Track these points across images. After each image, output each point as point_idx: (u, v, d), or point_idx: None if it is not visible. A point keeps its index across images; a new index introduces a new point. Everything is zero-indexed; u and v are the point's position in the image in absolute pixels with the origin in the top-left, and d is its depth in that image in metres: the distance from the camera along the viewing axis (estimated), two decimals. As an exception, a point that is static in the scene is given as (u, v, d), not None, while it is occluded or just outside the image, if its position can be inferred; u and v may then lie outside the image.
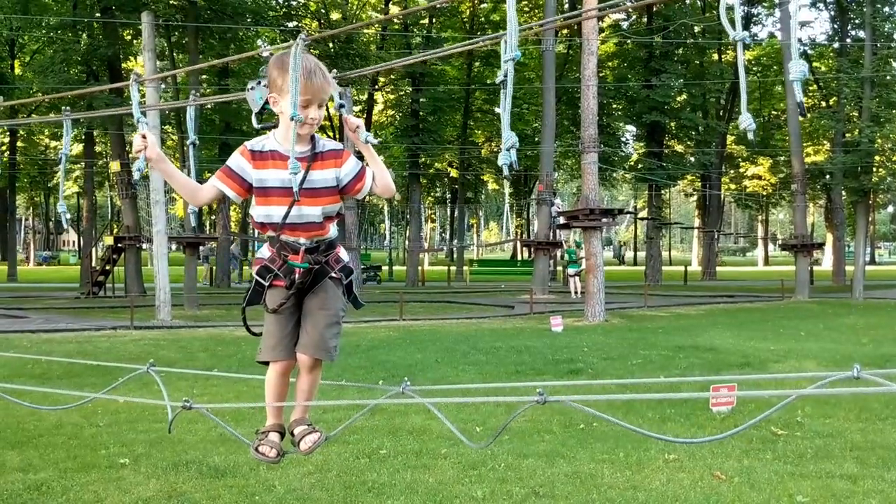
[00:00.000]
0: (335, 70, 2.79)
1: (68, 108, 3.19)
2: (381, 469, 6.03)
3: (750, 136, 1.86)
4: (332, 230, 2.88)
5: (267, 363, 2.91)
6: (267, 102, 2.80)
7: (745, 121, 1.81)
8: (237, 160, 2.77)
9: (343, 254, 2.94)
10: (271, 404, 2.89)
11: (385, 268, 43.19)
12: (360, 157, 2.94)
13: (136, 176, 2.73)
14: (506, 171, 2.18)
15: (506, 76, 2.11)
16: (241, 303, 2.99)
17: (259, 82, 2.91)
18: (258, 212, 2.79)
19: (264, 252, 2.91)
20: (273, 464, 2.97)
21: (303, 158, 2.74)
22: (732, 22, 1.88)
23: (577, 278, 27.70)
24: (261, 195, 2.77)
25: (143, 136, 2.70)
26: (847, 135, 30.34)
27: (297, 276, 2.81)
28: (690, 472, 5.95)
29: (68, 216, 3.33)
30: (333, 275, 2.89)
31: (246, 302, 2.94)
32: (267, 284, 2.87)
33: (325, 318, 2.84)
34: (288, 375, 2.93)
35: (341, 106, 2.79)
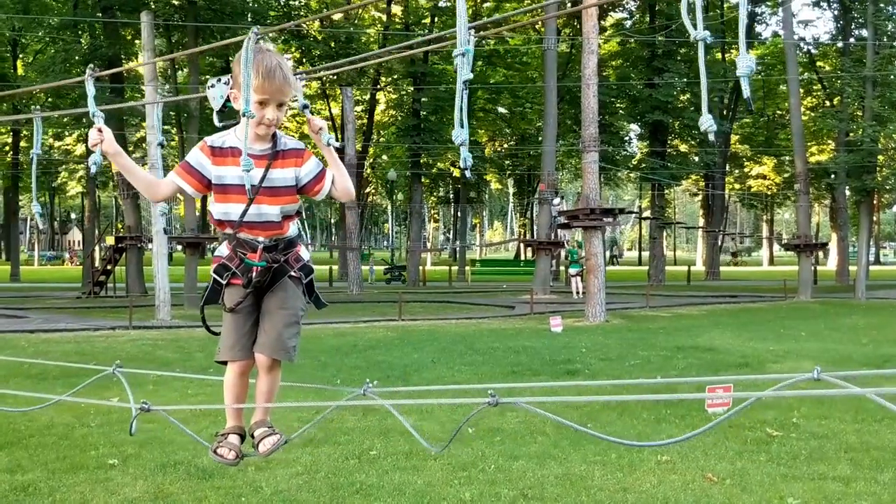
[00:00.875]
0: (292, 67, 2.72)
1: (38, 107, 3.15)
2: (370, 470, 5.98)
3: (711, 137, 1.82)
4: (292, 229, 2.84)
5: (225, 363, 2.86)
6: (229, 100, 2.75)
7: (706, 122, 1.76)
8: (196, 156, 2.72)
9: (303, 252, 2.90)
10: (230, 406, 2.85)
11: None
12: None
13: (93, 170, 2.68)
14: (468, 174, 2.14)
15: (457, 71, 2.06)
16: (201, 302, 2.93)
17: (219, 79, 2.86)
18: (217, 209, 2.75)
19: (222, 250, 2.85)
20: (231, 466, 2.93)
21: (263, 156, 2.69)
22: (694, 21, 1.83)
23: (578, 278, 27.61)
24: (219, 192, 2.72)
25: (99, 130, 2.65)
26: (850, 134, 30.22)
27: (254, 274, 2.76)
28: (682, 473, 5.90)
29: (40, 212, 3.30)
30: (293, 273, 2.84)
31: (204, 301, 2.88)
32: (224, 283, 2.82)
33: (284, 318, 2.79)
34: (247, 376, 2.88)
35: (305, 106, 2.74)
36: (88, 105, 2.71)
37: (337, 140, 2.83)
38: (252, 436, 2.84)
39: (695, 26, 1.74)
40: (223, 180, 2.70)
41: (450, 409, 7.80)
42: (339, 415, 7.58)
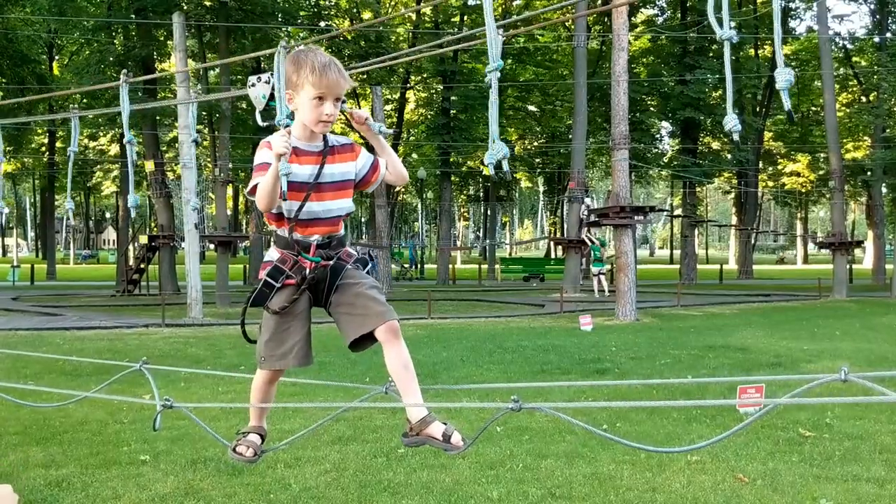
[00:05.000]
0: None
1: (76, 106, 3.20)
2: (398, 468, 5.99)
3: (735, 136, 1.80)
4: (342, 227, 2.87)
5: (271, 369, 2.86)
6: (272, 98, 2.77)
7: (730, 121, 1.74)
8: (268, 155, 2.70)
9: (352, 249, 2.92)
10: (256, 406, 2.86)
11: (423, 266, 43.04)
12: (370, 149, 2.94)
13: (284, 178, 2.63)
14: (492, 170, 2.13)
15: (490, 86, 2.06)
16: (245, 304, 2.90)
17: (259, 78, 2.87)
18: (290, 207, 2.74)
19: (272, 254, 2.85)
20: (249, 464, 2.94)
21: (318, 153, 2.74)
22: (720, 20, 1.81)
23: (601, 276, 27.40)
24: (292, 189, 2.71)
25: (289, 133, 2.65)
26: (887, 130, 29.70)
27: (308, 271, 2.78)
28: (712, 474, 5.83)
29: (73, 208, 3.35)
30: (349, 266, 2.86)
31: (251, 303, 2.84)
32: (279, 286, 2.80)
33: (367, 289, 2.80)
34: (276, 383, 2.90)
35: (342, 101, 2.77)
36: (122, 109, 2.75)
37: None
38: (428, 436, 2.72)
39: (721, 25, 1.71)
40: (297, 178, 2.71)
41: (478, 408, 7.79)
42: (367, 413, 7.60)
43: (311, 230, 2.77)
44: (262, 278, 2.83)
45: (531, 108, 46.60)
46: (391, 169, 2.87)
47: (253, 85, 2.93)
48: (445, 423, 2.67)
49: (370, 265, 2.95)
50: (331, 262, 2.81)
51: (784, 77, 1.67)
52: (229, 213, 27.72)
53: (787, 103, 1.73)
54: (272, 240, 2.90)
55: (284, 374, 2.99)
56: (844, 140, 38.00)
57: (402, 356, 2.79)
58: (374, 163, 2.86)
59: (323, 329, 2.96)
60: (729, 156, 40.32)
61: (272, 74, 2.83)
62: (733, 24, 1.75)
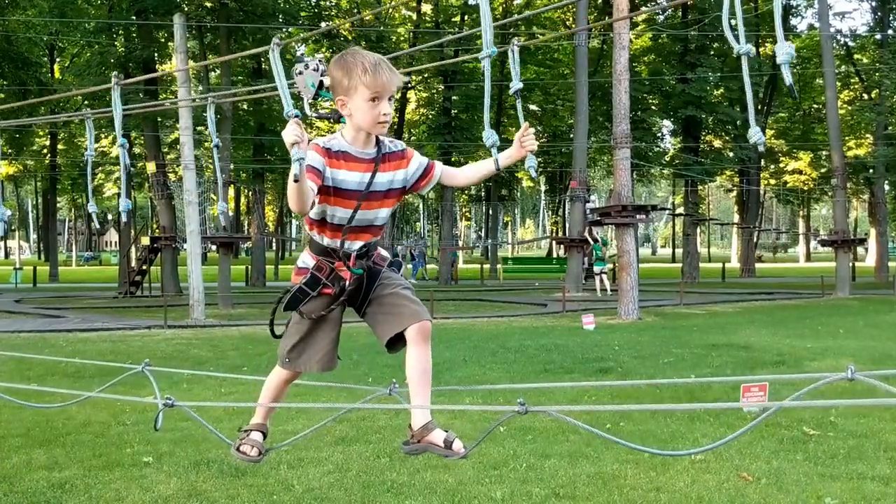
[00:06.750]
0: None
1: (88, 108, 3.18)
2: (402, 468, 5.98)
3: (760, 148, 1.79)
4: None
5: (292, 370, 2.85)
6: (321, 87, 2.71)
7: (755, 135, 1.73)
8: (315, 157, 2.62)
9: (383, 251, 2.91)
10: (265, 405, 2.85)
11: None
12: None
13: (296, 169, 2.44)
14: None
15: (483, 75, 2.06)
16: (275, 304, 2.89)
17: (307, 65, 2.76)
18: (331, 212, 2.70)
19: (307, 260, 2.80)
20: (254, 463, 2.93)
21: (370, 161, 2.70)
22: (737, 35, 1.80)
23: (603, 276, 27.37)
24: (338, 195, 2.68)
25: (299, 125, 2.48)
26: (889, 127, 29.65)
27: (347, 283, 2.74)
28: (717, 473, 5.81)
29: (96, 211, 3.33)
30: (384, 269, 2.85)
31: (285, 306, 2.80)
32: (315, 294, 2.76)
33: (402, 290, 2.77)
34: (291, 384, 2.90)
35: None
36: (115, 112, 2.73)
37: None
38: (429, 443, 2.73)
39: (737, 39, 1.70)
40: (345, 185, 2.67)
41: (482, 410, 7.78)
42: (371, 414, 7.59)
43: (354, 237, 2.73)
44: (298, 285, 2.77)
45: (532, 107, 46.51)
46: (453, 172, 2.89)
47: (300, 73, 2.81)
48: (447, 430, 2.67)
49: (402, 269, 2.96)
50: (367, 272, 2.80)
51: (784, 51, 1.66)
52: (231, 214, 27.74)
53: (787, 77, 1.71)
54: (307, 244, 2.86)
55: None
56: (846, 137, 37.95)
57: (425, 361, 2.71)
58: (428, 167, 2.84)
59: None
60: (731, 154, 40.25)
61: (320, 61, 2.77)
62: (734, 21, 1.74)
